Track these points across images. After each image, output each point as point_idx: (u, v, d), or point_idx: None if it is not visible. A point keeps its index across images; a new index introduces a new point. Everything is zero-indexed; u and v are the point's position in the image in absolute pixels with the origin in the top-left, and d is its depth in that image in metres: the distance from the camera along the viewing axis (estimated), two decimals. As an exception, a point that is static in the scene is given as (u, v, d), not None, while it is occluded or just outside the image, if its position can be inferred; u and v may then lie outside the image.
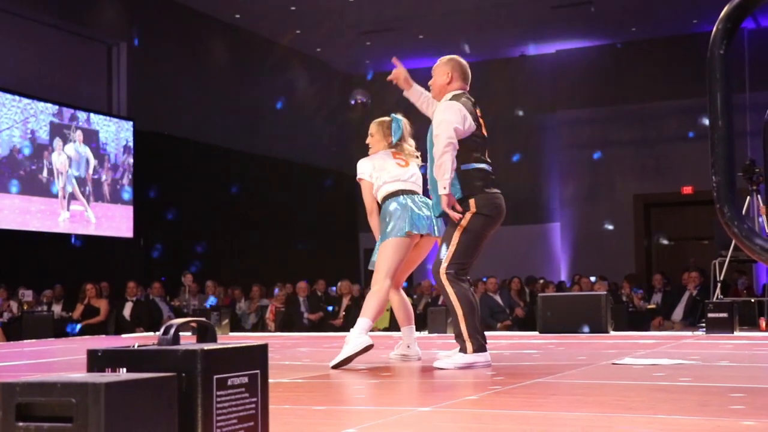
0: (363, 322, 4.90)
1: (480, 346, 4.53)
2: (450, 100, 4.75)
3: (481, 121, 4.81)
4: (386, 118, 5.37)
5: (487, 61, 17.80)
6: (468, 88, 4.91)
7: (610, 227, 16.82)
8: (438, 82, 4.85)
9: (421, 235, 5.08)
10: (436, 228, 5.07)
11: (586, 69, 17.28)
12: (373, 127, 5.37)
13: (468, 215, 4.59)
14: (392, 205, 5.08)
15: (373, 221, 5.23)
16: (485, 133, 4.84)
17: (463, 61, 4.93)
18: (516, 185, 17.07)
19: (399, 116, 5.33)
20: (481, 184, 4.64)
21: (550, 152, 17.85)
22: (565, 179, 17.60)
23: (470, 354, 4.50)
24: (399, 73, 5.13)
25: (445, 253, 4.59)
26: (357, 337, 4.79)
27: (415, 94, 5.14)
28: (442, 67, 4.86)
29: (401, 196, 5.11)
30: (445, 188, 4.51)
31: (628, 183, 17.00)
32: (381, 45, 16.75)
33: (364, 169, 5.25)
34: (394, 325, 11.53)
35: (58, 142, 12.61)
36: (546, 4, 15.05)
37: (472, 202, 4.60)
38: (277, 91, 16.55)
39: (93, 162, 13.13)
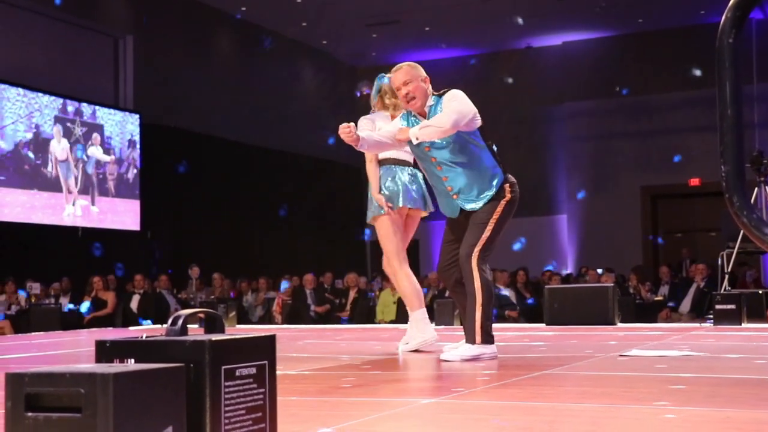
0: (419, 314, 5.10)
1: (488, 338, 4.49)
2: (450, 90, 4.59)
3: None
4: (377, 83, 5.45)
5: (493, 53, 17.78)
6: None
7: (617, 219, 16.79)
8: (421, 87, 4.59)
9: (409, 208, 5.19)
10: (425, 202, 5.21)
11: (593, 60, 17.24)
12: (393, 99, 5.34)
13: (503, 203, 4.54)
14: (386, 181, 5.19)
15: (371, 168, 5.24)
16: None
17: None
18: (523, 177, 17.04)
19: (384, 75, 5.34)
20: (504, 170, 4.62)
21: (557, 144, 17.83)
22: (571, 171, 17.57)
23: (477, 345, 4.46)
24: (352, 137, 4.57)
25: (478, 239, 4.49)
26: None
27: (367, 141, 4.64)
28: (414, 73, 4.61)
29: (394, 167, 5.21)
30: (417, 138, 4.43)
31: (635, 175, 16.97)
32: (387, 37, 16.74)
33: (362, 125, 5.25)
34: (400, 319, 11.54)
35: (57, 129, 12.55)
36: (552, -5, 15.02)
37: (506, 187, 4.56)
38: (282, 84, 16.55)
39: (100, 156, 13.13)
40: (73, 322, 11.28)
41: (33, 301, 11.55)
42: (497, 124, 15.75)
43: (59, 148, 12.60)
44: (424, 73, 4.66)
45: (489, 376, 3.84)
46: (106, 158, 13.12)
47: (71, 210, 12.72)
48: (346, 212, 17.64)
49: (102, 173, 13.23)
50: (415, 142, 4.48)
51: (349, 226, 17.81)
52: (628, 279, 13.23)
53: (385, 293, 12.86)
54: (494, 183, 4.55)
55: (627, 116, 17.29)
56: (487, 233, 4.51)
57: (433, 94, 4.64)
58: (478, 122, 4.56)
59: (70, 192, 12.70)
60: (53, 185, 12.52)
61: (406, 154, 5.21)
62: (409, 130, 4.50)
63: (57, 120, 12.57)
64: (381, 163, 5.24)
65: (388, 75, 5.09)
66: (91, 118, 13.11)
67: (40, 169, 12.39)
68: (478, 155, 4.57)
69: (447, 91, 4.61)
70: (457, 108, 4.42)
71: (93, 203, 13.02)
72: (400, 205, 5.14)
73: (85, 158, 12.91)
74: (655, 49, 16.80)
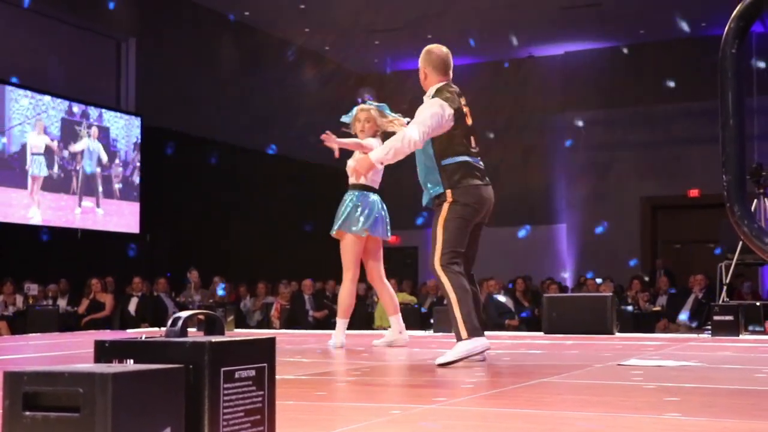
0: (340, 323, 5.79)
1: (474, 330, 4.50)
2: (433, 96, 4.80)
3: (465, 110, 4.84)
4: (365, 106, 5.94)
5: (495, 62, 17.79)
6: (449, 77, 4.91)
7: (616, 229, 16.79)
8: (421, 80, 4.92)
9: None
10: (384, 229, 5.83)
11: (595, 71, 17.27)
12: (364, 114, 6.02)
13: (446, 205, 4.69)
14: (370, 198, 5.90)
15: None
16: (469, 122, 4.87)
17: (439, 50, 4.91)
18: (523, 186, 17.09)
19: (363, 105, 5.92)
20: (459, 177, 4.71)
21: (558, 153, 17.84)
22: (572, 180, 17.58)
23: (465, 340, 4.48)
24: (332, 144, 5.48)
25: (436, 247, 4.66)
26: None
27: (371, 144, 5.63)
28: (420, 64, 4.91)
29: (370, 193, 5.98)
30: (381, 162, 4.70)
31: (635, 185, 16.98)
32: (391, 44, 16.76)
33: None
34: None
35: (38, 123, 12.37)
36: (555, 5, 15.03)
37: (448, 192, 4.71)
38: (286, 89, 16.55)
39: (105, 158, 13.14)
40: (70, 323, 11.27)
41: (30, 302, 11.54)
42: (497, 132, 15.79)
43: (35, 141, 12.35)
44: (423, 66, 4.89)
45: (487, 383, 3.84)
46: (100, 152, 13.05)
47: (78, 210, 12.71)
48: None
49: (108, 175, 13.23)
50: (380, 166, 4.88)
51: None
52: (627, 289, 13.23)
53: (383, 299, 12.84)
54: (440, 184, 4.73)
55: (627, 127, 17.30)
56: (439, 239, 4.66)
57: (434, 87, 4.85)
58: (447, 123, 4.70)
59: (80, 194, 12.67)
60: (58, 186, 12.52)
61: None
62: (370, 155, 4.70)
63: (64, 123, 12.59)
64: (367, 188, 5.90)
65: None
66: (97, 120, 13.12)
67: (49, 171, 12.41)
68: (430, 154, 4.76)
69: (427, 101, 4.81)
70: (411, 133, 4.60)
71: (98, 205, 13.02)
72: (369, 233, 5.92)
73: (89, 152, 12.88)
74: (657, 60, 16.82)
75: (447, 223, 4.66)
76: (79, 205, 12.75)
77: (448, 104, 4.71)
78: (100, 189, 13.06)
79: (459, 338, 4.52)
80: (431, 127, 4.62)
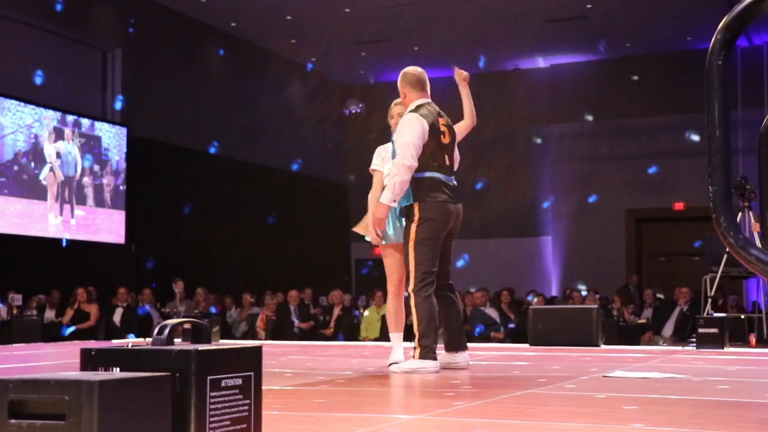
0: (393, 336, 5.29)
1: (428, 353, 4.81)
2: (411, 112, 4.96)
3: (443, 128, 5.00)
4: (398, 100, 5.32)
5: (481, 74, 17.82)
6: (427, 93, 5.09)
7: (602, 242, 16.85)
8: (402, 101, 5.13)
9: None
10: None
11: (580, 83, 17.34)
12: (398, 108, 5.29)
13: (413, 227, 4.86)
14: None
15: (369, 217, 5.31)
16: (446, 141, 5.01)
17: (414, 70, 5.12)
18: (508, 198, 17.14)
19: None
20: (426, 191, 4.88)
21: (543, 165, 17.89)
22: (557, 193, 17.63)
23: (416, 360, 4.82)
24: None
25: (410, 271, 4.88)
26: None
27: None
28: (399, 86, 5.10)
29: None
30: (393, 201, 4.81)
31: (621, 198, 17.04)
32: (376, 55, 16.79)
33: (375, 159, 5.36)
34: (384, 336, 11.52)
35: (51, 135, 12.52)
36: (541, 18, 15.10)
37: (416, 207, 4.88)
38: (271, 100, 16.56)
39: (80, 164, 13.06)
40: (54, 334, 11.19)
41: (14, 312, 11.46)
42: (483, 144, 15.83)
43: (52, 148, 12.56)
44: (401, 87, 5.07)
45: (473, 393, 3.84)
46: (80, 163, 13.01)
47: (59, 220, 12.67)
48: (332, 229, 17.62)
49: (99, 184, 13.20)
50: (394, 205, 4.85)
51: (334, 242, 17.79)
52: (612, 301, 13.26)
53: (370, 310, 12.84)
54: (409, 196, 4.88)
55: (613, 139, 17.38)
56: (412, 261, 4.86)
57: (414, 104, 5.00)
58: (424, 139, 4.86)
59: (56, 201, 12.63)
60: (44, 195, 12.49)
61: None
62: (381, 201, 4.83)
63: (56, 131, 12.58)
64: None
65: None
66: (89, 129, 13.09)
67: (38, 180, 12.38)
68: None
69: (405, 117, 4.95)
70: (402, 158, 4.78)
71: (73, 213, 12.96)
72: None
73: (65, 156, 12.83)
74: (642, 74, 16.91)
75: (417, 246, 4.85)
76: (61, 213, 12.71)
77: (424, 119, 4.90)
78: (73, 196, 12.97)
79: (414, 356, 4.85)
80: (416, 145, 4.81)
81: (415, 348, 4.84)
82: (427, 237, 4.84)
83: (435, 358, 4.84)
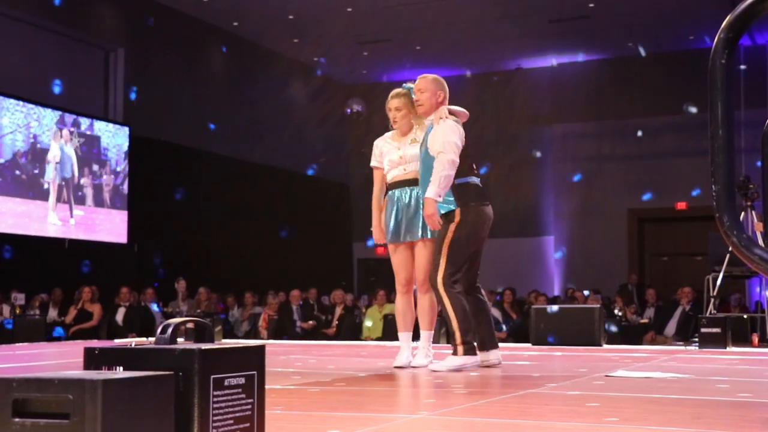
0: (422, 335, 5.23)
1: (470, 350, 4.88)
2: (447, 118, 4.98)
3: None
4: (401, 90, 5.22)
5: (483, 74, 17.84)
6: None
7: (604, 241, 16.83)
8: (431, 100, 5.06)
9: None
10: (412, 233, 5.11)
11: (583, 83, 17.32)
12: (395, 101, 5.19)
13: (452, 226, 4.89)
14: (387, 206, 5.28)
15: (373, 216, 5.27)
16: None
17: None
18: (511, 198, 17.13)
19: (411, 85, 5.22)
20: (472, 196, 4.96)
21: (546, 165, 17.88)
22: (560, 193, 17.62)
23: (459, 356, 4.84)
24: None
25: (439, 264, 4.90)
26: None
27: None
28: (431, 85, 5.08)
29: (395, 191, 5.22)
30: (440, 196, 4.81)
31: (623, 197, 17.02)
32: (378, 55, 16.78)
33: (374, 151, 5.32)
34: (386, 336, 11.53)
35: (56, 133, 12.56)
36: (543, 17, 15.09)
37: (457, 212, 4.91)
38: (273, 100, 16.56)
39: (76, 164, 13.05)
40: (52, 334, 11.21)
41: (17, 312, 11.47)
42: (486, 144, 15.82)
43: (57, 148, 12.58)
44: (439, 89, 5.06)
45: (476, 393, 3.84)
46: (75, 163, 13.01)
47: (59, 219, 12.67)
48: (334, 228, 17.62)
49: (98, 184, 13.20)
50: (440, 199, 4.81)
51: (336, 242, 17.79)
52: (614, 301, 13.26)
53: (372, 310, 12.84)
54: (450, 202, 4.90)
55: (616, 139, 17.36)
56: (444, 257, 4.89)
57: (445, 110, 5.01)
58: (463, 144, 4.93)
59: (59, 201, 12.64)
60: (45, 195, 12.49)
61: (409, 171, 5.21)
62: (427, 195, 4.79)
63: (57, 131, 12.59)
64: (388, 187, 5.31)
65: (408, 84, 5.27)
66: (88, 129, 13.10)
67: (38, 180, 12.38)
68: (429, 165, 4.93)
69: (447, 123, 4.95)
70: (445, 155, 4.79)
71: (72, 213, 12.97)
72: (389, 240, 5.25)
73: (62, 157, 12.84)
74: (646, 73, 16.89)
75: (453, 244, 4.89)
76: (60, 211, 12.72)
77: (461, 127, 4.99)
78: (71, 196, 12.98)
79: (455, 353, 4.87)
80: (458, 144, 4.88)
81: (457, 345, 4.86)
82: (463, 238, 4.90)
83: (477, 354, 4.92)
